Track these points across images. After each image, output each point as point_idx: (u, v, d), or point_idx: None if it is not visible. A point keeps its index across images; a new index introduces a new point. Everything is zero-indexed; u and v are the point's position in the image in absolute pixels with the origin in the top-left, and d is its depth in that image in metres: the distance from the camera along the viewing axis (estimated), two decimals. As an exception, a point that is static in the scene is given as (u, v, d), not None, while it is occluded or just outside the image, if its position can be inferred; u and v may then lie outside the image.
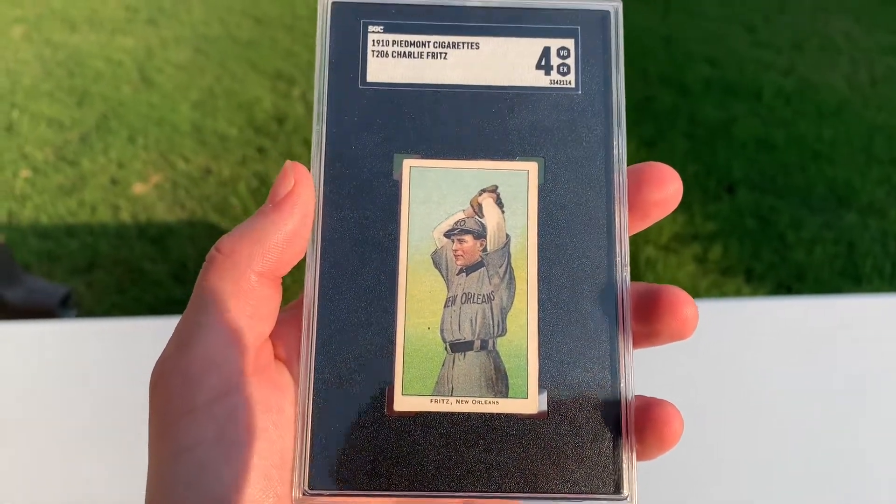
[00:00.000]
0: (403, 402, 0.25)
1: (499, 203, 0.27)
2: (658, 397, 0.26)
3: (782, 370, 0.61)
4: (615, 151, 0.27)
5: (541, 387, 0.25)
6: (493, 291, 0.26)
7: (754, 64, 2.57)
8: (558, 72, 0.27)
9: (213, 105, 2.29)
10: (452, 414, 0.25)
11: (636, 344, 0.27)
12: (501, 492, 0.24)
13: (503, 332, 0.26)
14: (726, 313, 0.69)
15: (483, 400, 0.25)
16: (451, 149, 0.27)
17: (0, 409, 0.58)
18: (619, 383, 0.25)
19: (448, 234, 0.27)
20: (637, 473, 0.25)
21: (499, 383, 0.25)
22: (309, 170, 0.27)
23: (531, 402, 0.25)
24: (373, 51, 0.27)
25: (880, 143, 2.16)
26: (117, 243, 1.76)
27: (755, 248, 1.77)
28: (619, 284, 0.26)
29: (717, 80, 2.45)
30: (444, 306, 0.26)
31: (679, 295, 0.26)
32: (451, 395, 0.25)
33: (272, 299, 0.26)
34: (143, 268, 1.69)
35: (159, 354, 0.26)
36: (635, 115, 2.25)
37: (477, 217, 0.27)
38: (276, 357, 0.27)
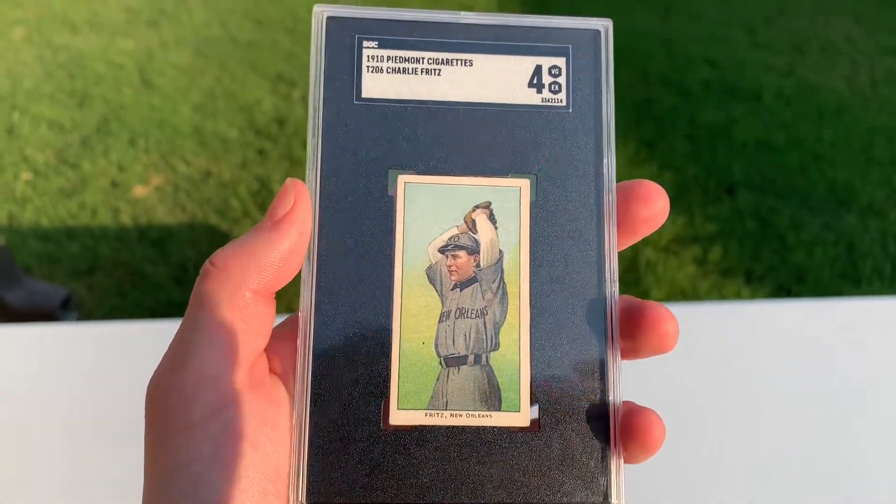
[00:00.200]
0: (399, 416, 0.25)
1: (492, 219, 0.27)
2: (643, 404, 0.26)
3: (782, 373, 0.61)
4: (605, 170, 0.27)
5: (533, 400, 0.25)
6: (486, 307, 0.27)
7: (754, 66, 2.57)
8: (550, 90, 0.28)
9: (213, 107, 2.29)
10: (447, 427, 0.25)
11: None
12: (495, 503, 0.24)
13: (496, 346, 0.26)
14: (726, 316, 0.69)
15: (477, 413, 0.26)
16: (445, 165, 0.27)
17: (0, 412, 0.58)
18: (608, 396, 0.26)
19: (442, 250, 0.27)
20: (625, 483, 0.25)
21: (492, 397, 0.26)
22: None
23: (523, 416, 0.25)
24: (367, 66, 0.27)
25: (880, 144, 2.16)
26: (118, 246, 1.76)
27: (755, 250, 1.77)
28: (608, 300, 0.26)
29: (717, 82, 2.46)
30: (439, 321, 0.26)
31: (661, 311, 0.26)
32: (446, 409, 0.26)
33: (266, 315, 0.26)
34: (143, 270, 1.69)
35: (158, 361, 0.26)
36: (635, 116, 2.25)
37: (470, 233, 0.27)
38: (272, 371, 0.27)
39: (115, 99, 2.31)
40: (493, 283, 0.27)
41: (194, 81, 2.42)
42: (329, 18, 0.28)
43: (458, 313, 0.26)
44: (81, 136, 2.14)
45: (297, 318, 0.27)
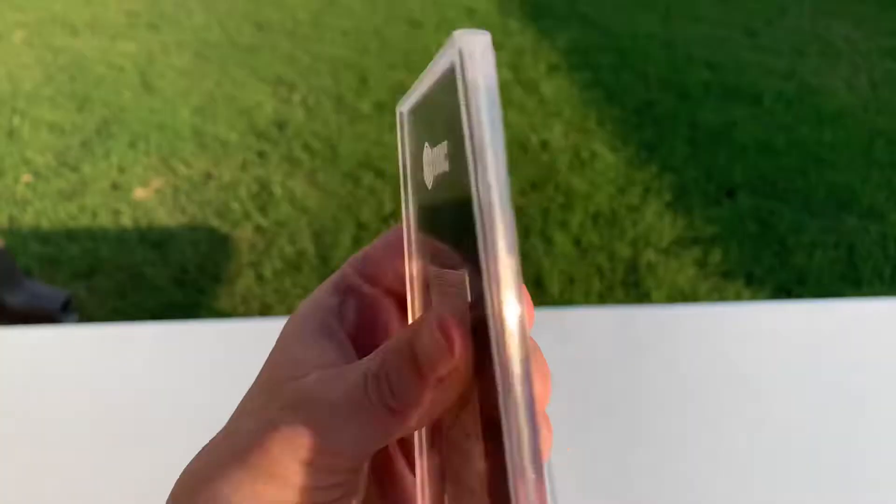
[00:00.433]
0: None
1: None
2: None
3: (783, 374, 0.61)
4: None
5: None
6: None
7: (755, 68, 2.57)
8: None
9: (213, 110, 2.29)
10: None
11: None
12: None
13: None
14: (727, 318, 0.69)
15: None
16: None
17: (1, 414, 0.58)
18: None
19: None
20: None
21: None
22: None
23: None
24: None
25: (880, 146, 2.16)
26: (118, 248, 1.76)
27: (755, 252, 1.77)
28: None
29: (717, 85, 2.46)
30: None
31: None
32: None
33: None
34: (143, 272, 1.69)
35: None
36: (636, 119, 2.25)
37: None
38: None
39: (115, 102, 2.32)
40: None
41: (194, 84, 2.42)
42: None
43: None
44: (82, 138, 2.15)
45: None
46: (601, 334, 0.64)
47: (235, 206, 1.89)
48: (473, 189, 0.18)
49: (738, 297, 1.64)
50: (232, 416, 0.24)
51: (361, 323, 0.26)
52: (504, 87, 2.34)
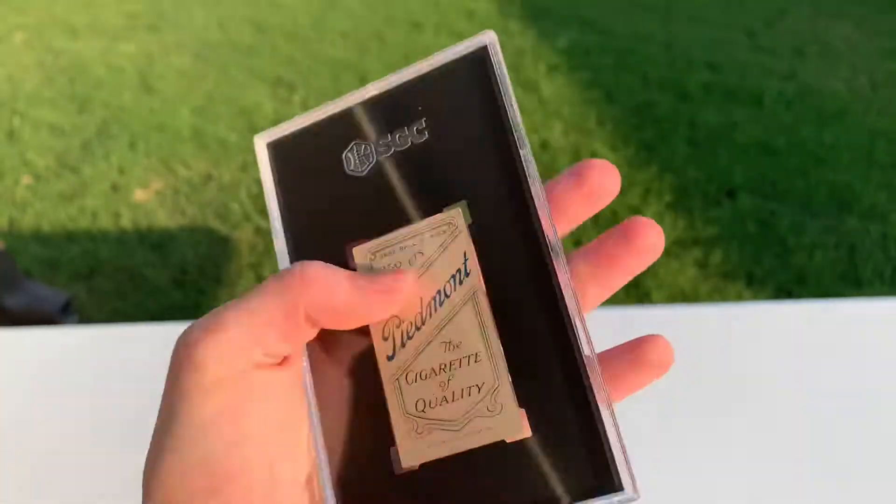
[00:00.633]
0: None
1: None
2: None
3: (783, 374, 0.61)
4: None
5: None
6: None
7: (755, 69, 2.57)
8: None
9: (213, 111, 2.29)
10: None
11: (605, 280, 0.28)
12: None
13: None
14: (727, 318, 0.69)
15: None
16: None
17: (1, 416, 0.58)
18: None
19: None
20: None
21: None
22: None
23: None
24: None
25: (881, 147, 2.16)
26: (118, 249, 1.76)
27: (756, 253, 1.77)
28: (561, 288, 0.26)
29: (717, 85, 2.46)
30: None
31: (643, 223, 0.27)
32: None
33: (306, 338, 0.27)
34: (143, 274, 1.69)
35: (158, 364, 0.27)
36: (636, 119, 2.25)
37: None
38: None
39: (115, 103, 2.32)
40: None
41: (194, 85, 2.42)
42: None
43: None
44: (82, 140, 2.15)
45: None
46: (601, 335, 0.64)
47: (235, 207, 1.89)
48: (512, 128, 0.28)
49: (738, 298, 1.64)
50: None
51: None
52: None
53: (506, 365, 0.26)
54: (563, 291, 0.26)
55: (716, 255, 1.74)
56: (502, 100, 0.28)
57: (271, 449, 0.26)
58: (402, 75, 0.30)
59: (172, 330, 0.26)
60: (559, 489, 0.25)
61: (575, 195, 0.27)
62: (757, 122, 2.27)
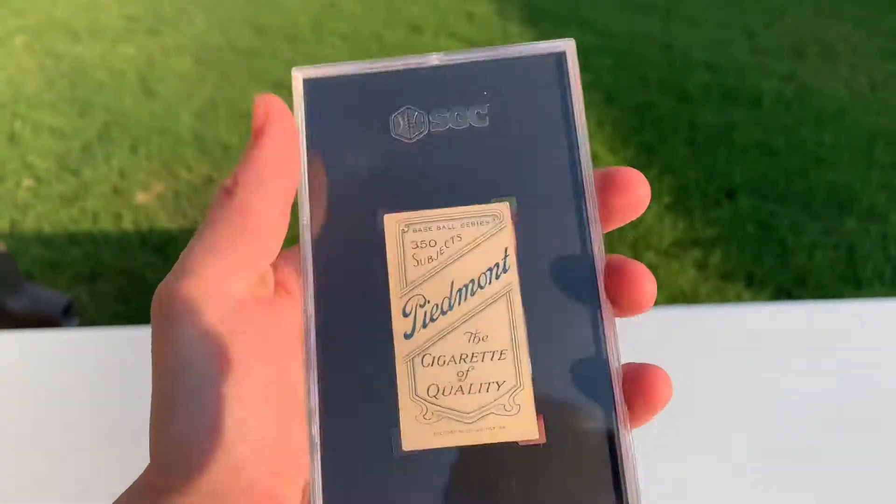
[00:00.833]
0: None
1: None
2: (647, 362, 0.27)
3: (783, 375, 0.61)
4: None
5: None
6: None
7: (754, 70, 2.58)
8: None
9: (214, 114, 2.29)
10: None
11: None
12: None
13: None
14: (727, 318, 0.69)
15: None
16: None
17: (3, 418, 0.59)
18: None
19: None
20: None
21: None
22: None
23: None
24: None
25: (881, 148, 2.16)
26: (120, 252, 1.77)
27: (756, 254, 1.77)
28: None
29: (717, 86, 2.46)
30: None
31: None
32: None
33: (277, 231, 0.27)
34: (145, 276, 1.69)
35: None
36: (635, 120, 2.25)
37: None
38: (277, 284, 0.28)
39: (116, 106, 2.32)
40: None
41: (195, 89, 2.43)
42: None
43: None
44: (83, 142, 2.15)
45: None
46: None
47: (236, 209, 1.89)
48: (577, 137, 0.28)
49: (738, 299, 1.64)
50: None
51: None
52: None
53: (531, 368, 0.26)
54: (602, 309, 0.26)
55: (715, 256, 1.75)
56: (572, 109, 0.28)
57: (275, 401, 0.25)
58: (469, 55, 0.29)
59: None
60: (562, 500, 0.25)
61: (617, 203, 0.27)
62: (756, 123, 2.27)
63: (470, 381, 0.26)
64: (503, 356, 0.26)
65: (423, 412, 0.26)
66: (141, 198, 1.94)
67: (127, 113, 2.29)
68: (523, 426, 0.25)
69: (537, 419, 0.25)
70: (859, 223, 1.86)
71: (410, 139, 0.28)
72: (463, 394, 0.26)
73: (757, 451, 0.56)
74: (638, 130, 2.20)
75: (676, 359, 0.68)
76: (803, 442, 0.56)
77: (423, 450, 0.25)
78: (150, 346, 0.26)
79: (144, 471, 0.26)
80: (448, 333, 0.26)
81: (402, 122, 0.28)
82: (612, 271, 0.27)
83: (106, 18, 2.84)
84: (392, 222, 0.27)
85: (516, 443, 0.25)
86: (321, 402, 0.26)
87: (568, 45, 0.29)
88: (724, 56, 2.66)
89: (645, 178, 0.27)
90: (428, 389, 0.26)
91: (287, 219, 0.27)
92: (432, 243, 0.27)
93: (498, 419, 0.25)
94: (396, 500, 0.25)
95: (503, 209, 0.27)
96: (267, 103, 0.27)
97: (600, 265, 0.27)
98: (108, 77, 2.47)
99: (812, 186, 1.99)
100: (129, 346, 0.64)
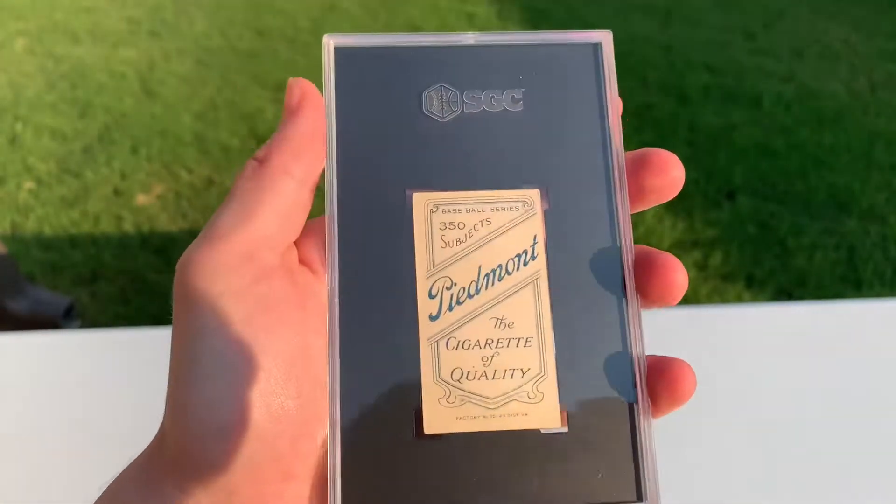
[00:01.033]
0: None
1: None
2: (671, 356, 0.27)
3: (783, 376, 0.61)
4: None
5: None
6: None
7: (754, 71, 2.58)
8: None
9: (215, 116, 2.30)
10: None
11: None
12: None
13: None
14: (727, 319, 0.69)
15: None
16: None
17: (4, 420, 0.59)
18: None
19: None
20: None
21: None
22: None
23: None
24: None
25: (880, 148, 2.16)
26: (121, 254, 1.77)
27: (756, 255, 1.77)
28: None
29: (716, 88, 2.46)
30: None
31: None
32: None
33: (304, 207, 0.27)
34: (146, 278, 1.69)
35: (161, 368, 0.26)
36: (635, 122, 2.25)
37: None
38: (301, 261, 0.28)
39: (116, 108, 2.32)
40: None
41: (196, 90, 2.43)
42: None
43: None
44: (84, 145, 2.15)
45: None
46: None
47: (237, 211, 1.90)
48: (611, 129, 0.28)
49: (738, 300, 1.64)
50: None
51: None
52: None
53: (555, 356, 0.26)
54: (629, 300, 0.26)
55: (715, 257, 1.75)
56: (606, 100, 0.28)
57: (299, 375, 0.25)
58: (505, 37, 0.29)
59: (174, 333, 0.27)
60: (581, 489, 0.25)
61: (652, 183, 0.27)
62: (756, 124, 2.27)
63: (494, 366, 0.26)
64: (528, 343, 0.26)
65: (447, 395, 0.25)
66: (142, 199, 1.94)
67: (127, 115, 2.29)
68: (546, 414, 0.25)
69: (560, 408, 0.25)
70: (859, 224, 1.86)
71: (443, 118, 0.28)
72: (487, 379, 0.25)
73: (757, 451, 0.56)
74: (638, 131, 2.20)
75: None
76: (804, 442, 0.56)
77: (445, 433, 0.25)
78: (150, 348, 0.26)
79: (157, 438, 0.26)
80: (474, 318, 0.26)
81: (435, 100, 0.28)
82: (642, 262, 0.27)
83: (107, 21, 2.85)
84: (421, 201, 0.27)
85: (538, 430, 0.25)
86: (343, 380, 0.25)
87: (605, 37, 0.29)
88: (724, 57, 2.66)
89: (679, 160, 0.27)
90: (452, 373, 0.25)
91: (313, 195, 0.27)
92: (461, 225, 0.27)
93: (521, 406, 0.25)
94: (415, 482, 0.25)
95: (534, 196, 0.27)
96: (302, 85, 0.28)
97: (629, 257, 0.27)
98: (109, 79, 2.47)
99: (812, 187, 1.99)
100: (131, 347, 0.64)
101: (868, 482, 0.54)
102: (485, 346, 0.26)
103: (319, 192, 0.27)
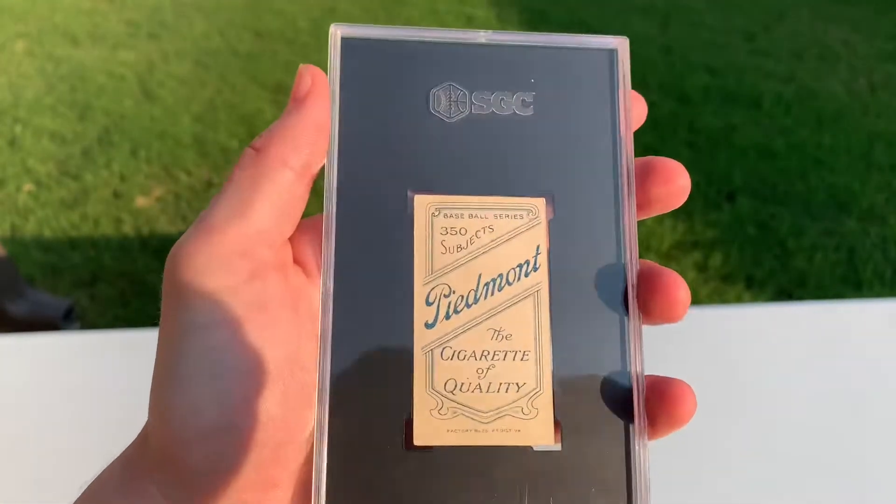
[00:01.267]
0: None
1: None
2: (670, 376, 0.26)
3: (783, 377, 0.61)
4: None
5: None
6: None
7: (754, 72, 2.58)
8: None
9: (214, 118, 2.30)
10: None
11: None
12: None
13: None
14: (727, 319, 0.69)
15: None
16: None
17: (4, 421, 0.59)
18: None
19: None
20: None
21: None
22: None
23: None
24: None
25: (880, 149, 2.16)
26: (120, 256, 1.77)
27: (756, 256, 1.77)
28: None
29: (716, 89, 2.46)
30: None
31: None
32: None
33: (301, 201, 0.26)
34: (145, 280, 1.69)
35: None
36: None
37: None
38: (294, 260, 0.27)
39: (116, 110, 2.32)
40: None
41: (195, 92, 2.43)
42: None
43: None
44: (83, 147, 2.15)
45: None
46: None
47: (236, 213, 1.90)
48: (622, 140, 0.27)
49: (738, 300, 1.64)
50: None
51: None
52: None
53: (552, 372, 0.25)
54: (630, 318, 0.25)
55: (716, 258, 1.75)
56: (619, 110, 0.27)
57: (286, 381, 0.24)
58: (517, 38, 0.27)
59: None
60: None
61: (658, 191, 0.27)
62: (756, 125, 2.27)
63: (489, 379, 0.25)
64: (525, 357, 0.25)
65: (439, 407, 0.24)
66: (141, 202, 1.94)
67: (127, 117, 2.29)
68: (539, 431, 0.24)
69: (554, 425, 0.25)
70: (859, 224, 1.86)
71: (450, 118, 0.27)
72: (481, 392, 0.25)
73: (757, 451, 0.56)
74: (638, 132, 2.20)
75: (677, 360, 0.68)
76: (804, 442, 0.56)
77: (435, 446, 0.24)
78: (149, 349, 0.25)
79: (140, 437, 0.25)
80: (471, 328, 0.25)
81: (443, 99, 0.27)
82: (646, 278, 0.26)
83: (106, 23, 2.85)
84: (422, 204, 0.26)
85: (530, 447, 0.24)
86: (332, 386, 0.24)
87: (621, 43, 0.28)
88: (724, 59, 2.67)
89: (685, 169, 0.27)
90: (445, 384, 0.25)
91: (309, 189, 0.26)
92: (463, 231, 0.26)
93: (514, 421, 0.24)
94: (401, 495, 0.24)
95: (539, 204, 0.26)
96: (314, 74, 0.26)
97: (633, 273, 0.26)
98: (109, 81, 2.47)
99: (812, 188, 1.99)
100: (130, 349, 0.64)
101: (868, 482, 0.54)
102: (480, 358, 0.25)
103: (317, 189, 0.27)
